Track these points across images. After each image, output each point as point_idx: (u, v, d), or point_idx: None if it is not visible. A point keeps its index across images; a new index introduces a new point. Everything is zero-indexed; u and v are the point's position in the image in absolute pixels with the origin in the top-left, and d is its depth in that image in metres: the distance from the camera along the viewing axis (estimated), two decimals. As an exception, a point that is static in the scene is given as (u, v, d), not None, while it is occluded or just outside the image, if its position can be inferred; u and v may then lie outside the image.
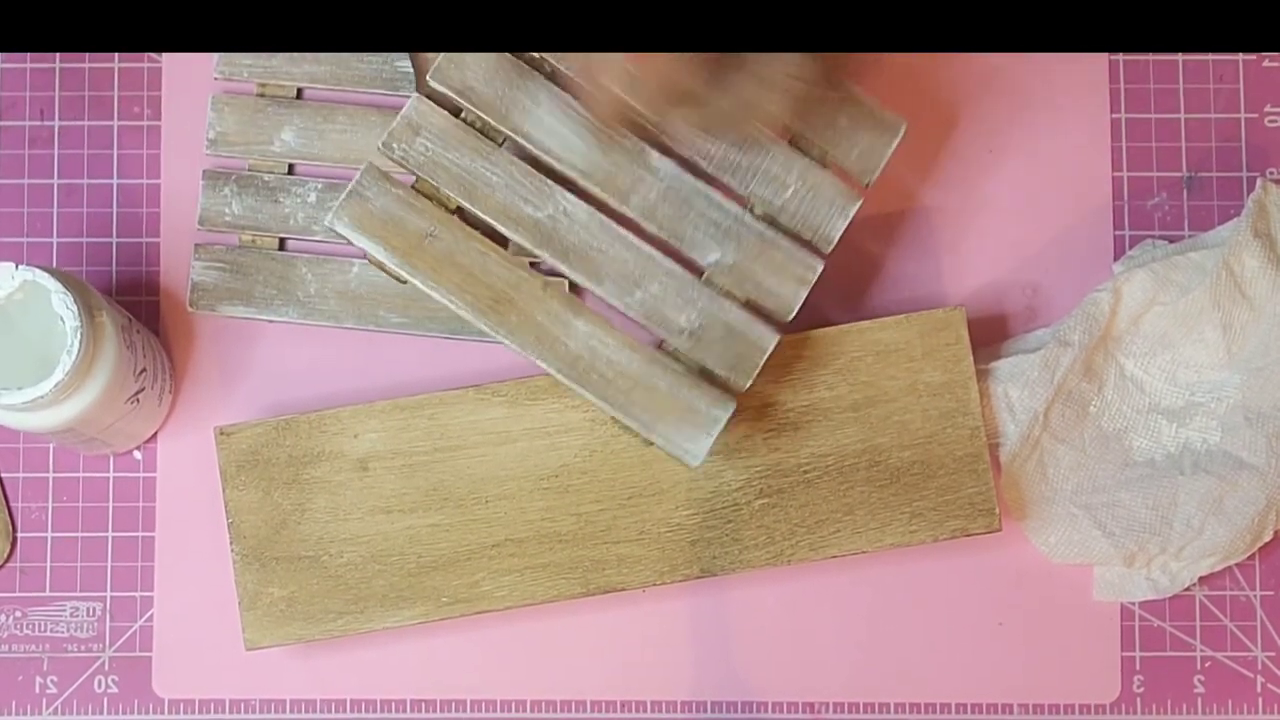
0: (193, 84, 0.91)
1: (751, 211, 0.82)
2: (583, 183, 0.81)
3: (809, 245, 0.83)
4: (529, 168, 0.81)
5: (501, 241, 0.81)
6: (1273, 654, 0.89)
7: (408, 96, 0.86)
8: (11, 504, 0.89)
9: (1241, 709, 0.89)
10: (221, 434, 0.85)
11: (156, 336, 0.89)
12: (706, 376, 0.81)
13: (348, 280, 0.89)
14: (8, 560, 0.89)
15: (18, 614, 0.89)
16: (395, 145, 0.80)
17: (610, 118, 0.79)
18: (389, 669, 0.89)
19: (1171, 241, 0.90)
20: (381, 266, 0.81)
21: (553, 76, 0.82)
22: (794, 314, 0.82)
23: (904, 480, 0.85)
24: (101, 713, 0.88)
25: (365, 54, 0.89)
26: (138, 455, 0.89)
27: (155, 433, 0.89)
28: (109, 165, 0.90)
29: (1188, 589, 0.89)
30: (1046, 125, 0.91)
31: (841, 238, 0.84)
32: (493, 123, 0.81)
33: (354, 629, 0.84)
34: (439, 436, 0.85)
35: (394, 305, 0.89)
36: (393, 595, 0.84)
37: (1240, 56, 0.92)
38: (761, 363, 0.81)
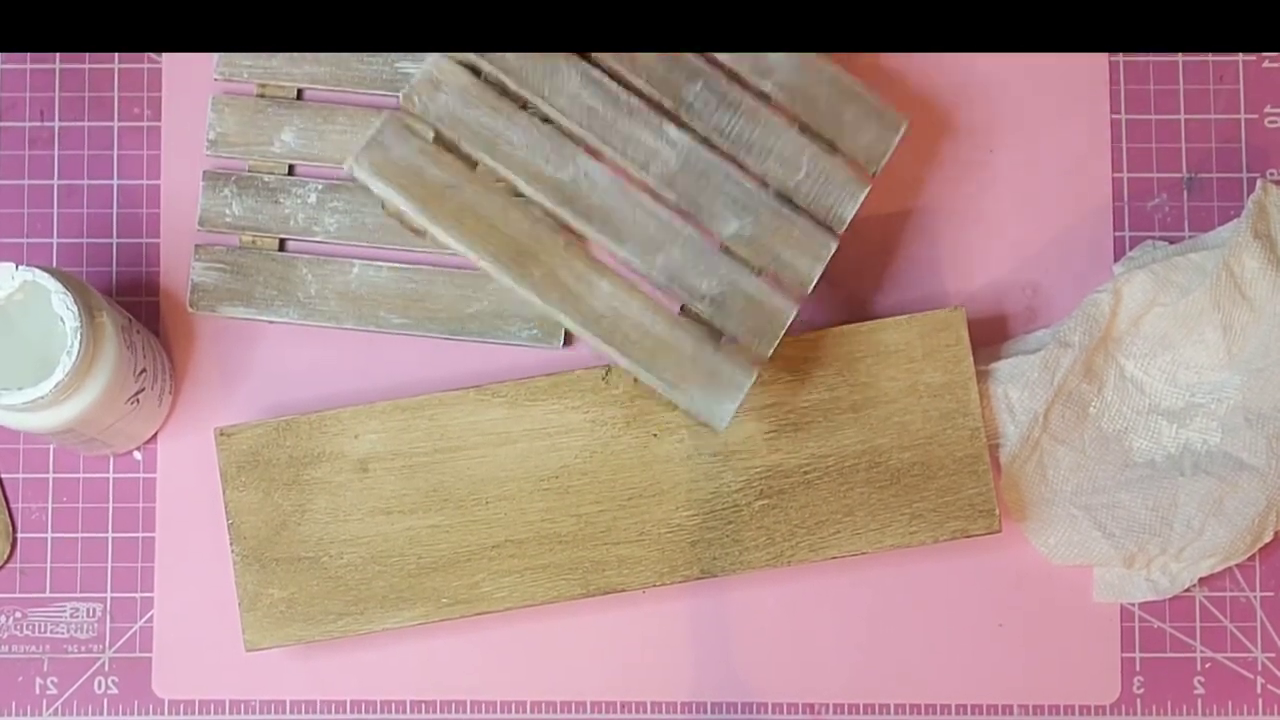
0: (193, 84, 0.91)
1: (768, 189, 0.83)
2: (602, 148, 0.81)
3: (823, 224, 0.83)
4: (550, 129, 0.81)
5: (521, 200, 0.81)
6: (1273, 655, 0.89)
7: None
8: (11, 505, 0.89)
9: (1241, 710, 0.89)
10: (222, 435, 0.85)
11: (156, 337, 0.89)
12: (730, 342, 0.81)
13: (348, 281, 0.89)
14: (8, 561, 0.89)
15: (18, 614, 0.89)
16: (417, 99, 0.79)
17: None
18: (389, 670, 0.89)
19: (1171, 242, 0.90)
20: (400, 217, 0.79)
21: None
22: (812, 287, 0.82)
23: (904, 481, 0.85)
24: (101, 713, 0.88)
25: (365, 54, 0.89)
26: (138, 456, 0.89)
27: (155, 433, 0.89)
28: (109, 166, 0.90)
29: (1188, 590, 0.89)
30: (1046, 125, 0.91)
31: (841, 237, 0.84)
32: (511, 85, 0.81)
33: (354, 630, 0.84)
34: (439, 437, 0.85)
35: (394, 306, 0.89)
36: (393, 596, 0.84)
37: (1240, 56, 0.92)
38: (782, 333, 0.82)
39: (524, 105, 0.81)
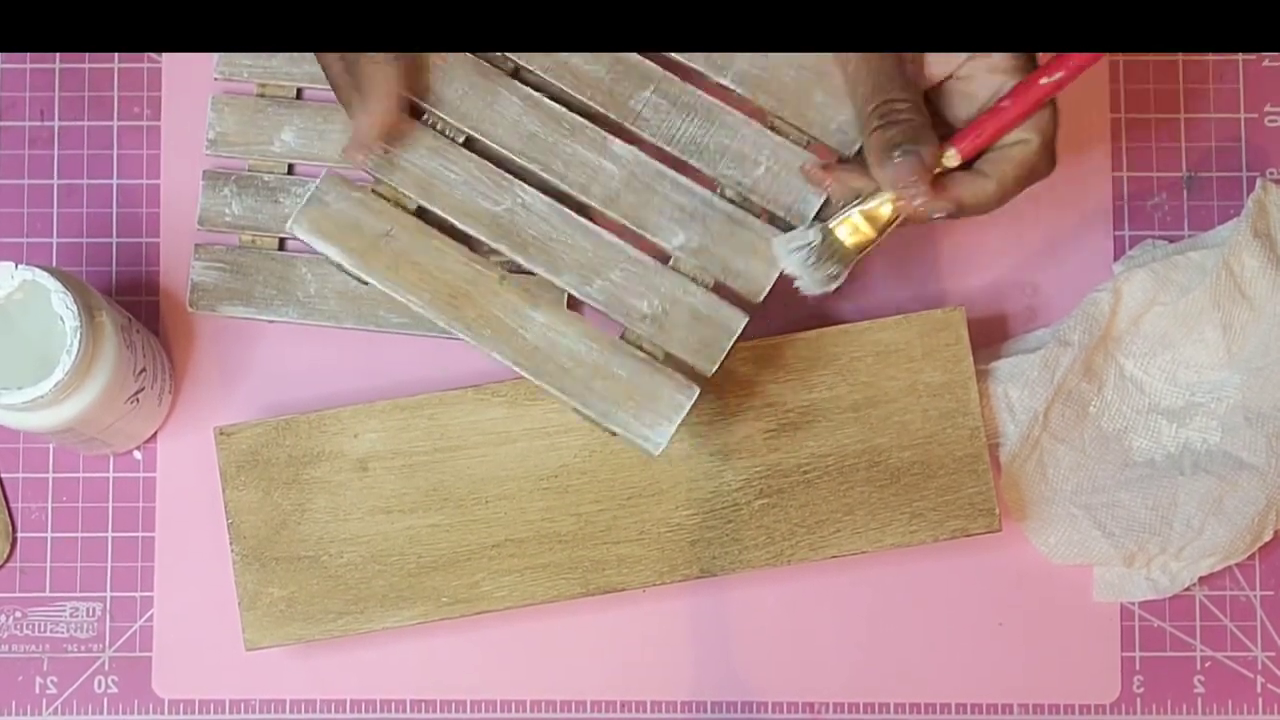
0: (193, 84, 0.91)
1: (721, 194, 0.81)
2: (544, 175, 0.80)
3: (781, 224, 0.81)
4: (487, 163, 0.80)
5: (464, 240, 0.81)
6: (1273, 654, 0.89)
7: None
8: (11, 504, 0.89)
9: (1241, 709, 0.89)
10: (221, 434, 0.85)
11: (156, 336, 0.89)
12: (671, 362, 0.79)
13: (348, 280, 0.89)
14: (8, 560, 0.89)
15: (18, 614, 0.89)
16: (359, 156, 0.80)
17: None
18: (389, 669, 0.88)
19: (1171, 241, 0.90)
20: (341, 268, 0.80)
21: (515, 74, 0.81)
22: (765, 294, 0.80)
23: (904, 480, 0.85)
24: (101, 713, 0.88)
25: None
26: (138, 455, 0.89)
27: (155, 433, 0.89)
28: (109, 165, 0.90)
29: (1188, 589, 0.89)
30: (1046, 125, 0.91)
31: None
32: (453, 122, 0.80)
33: (354, 629, 0.84)
34: (439, 436, 0.85)
35: (394, 305, 0.88)
36: (393, 595, 0.84)
37: (1240, 56, 0.92)
38: (729, 346, 0.79)
39: (466, 141, 0.81)
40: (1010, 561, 0.89)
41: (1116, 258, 0.91)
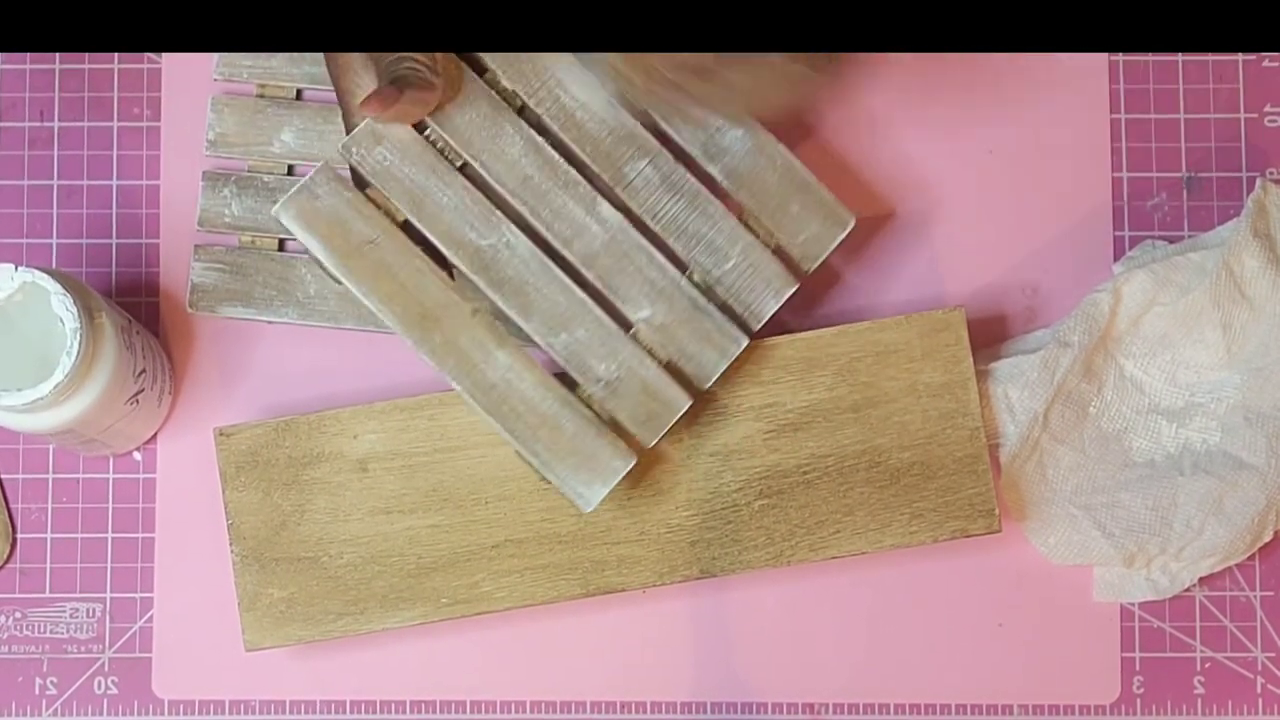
0: (192, 85, 0.91)
1: (690, 278, 0.83)
2: (530, 219, 0.82)
3: (738, 320, 0.83)
4: (480, 195, 0.81)
5: (442, 262, 0.81)
6: (1273, 654, 0.89)
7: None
8: (11, 505, 0.89)
9: (1241, 709, 0.89)
10: (221, 435, 0.85)
11: (156, 338, 0.89)
12: (614, 428, 0.82)
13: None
14: (8, 561, 0.89)
15: (18, 615, 0.89)
16: (354, 149, 0.80)
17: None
18: (389, 670, 0.89)
19: (1171, 242, 0.90)
20: (320, 264, 0.81)
21: (521, 112, 0.82)
22: (710, 384, 0.83)
23: (904, 481, 0.85)
24: (101, 714, 0.88)
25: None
26: (137, 456, 0.89)
27: (155, 434, 0.89)
28: (109, 166, 0.90)
29: (1188, 589, 0.89)
30: (1046, 126, 0.91)
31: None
32: (454, 145, 0.81)
33: (354, 630, 0.84)
34: (439, 437, 0.85)
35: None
36: (392, 596, 0.84)
37: (1240, 56, 0.92)
38: (671, 424, 0.82)
39: (462, 166, 0.81)
40: (1010, 562, 0.89)
41: (1116, 258, 0.91)
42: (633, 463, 0.82)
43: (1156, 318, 0.88)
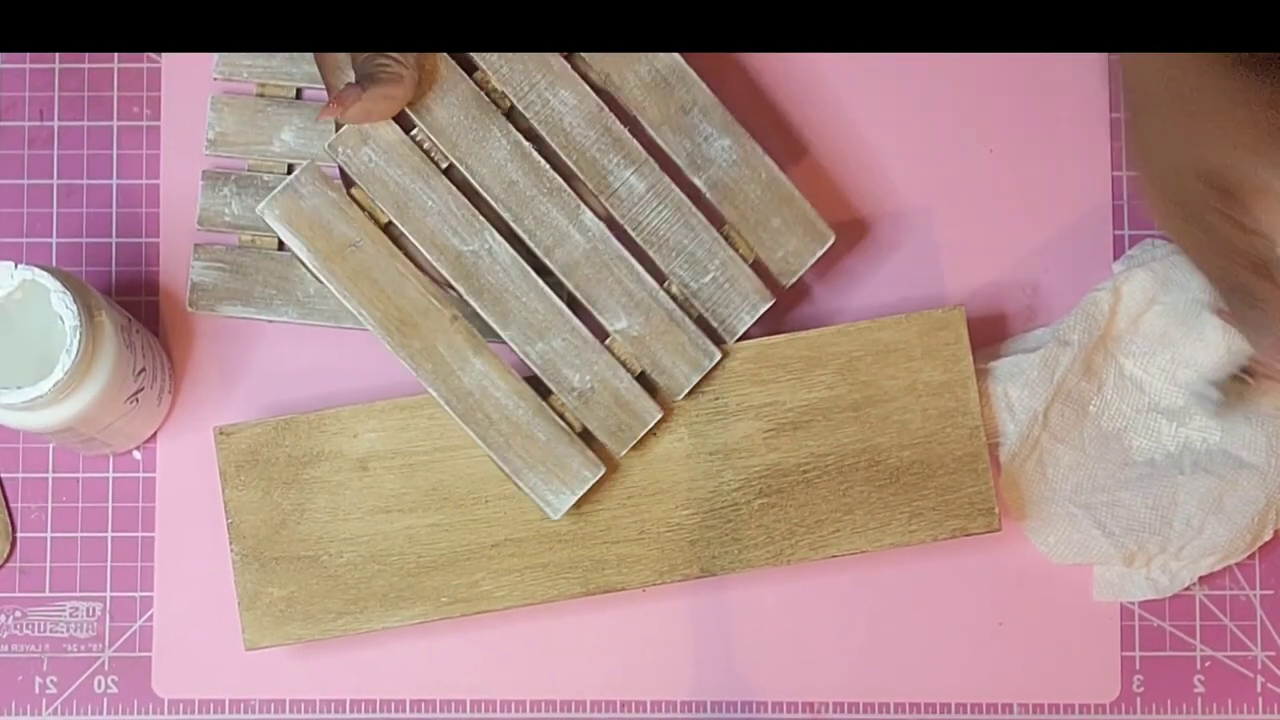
0: (192, 84, 0.91)
1: (667, 290, 0.84)
2: (513, 225, 0.82)
3: (713, 334, 0.84)
4: (464, 199, 0.82)
5: (423, 268, 0.82)
6: (1273, 654, 0.89)
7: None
8: (11, 504, 0.89)
9: (1241, 709, 0.89)
10: (221, 434, 0.85)
11: (156, 336, 0.89)
12: (585, 437, 0.83)
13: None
14: (8, 560, 0.89)
15: (18, 614, 0.89)
16: (340, 149, 0.80)
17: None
18: (389, 669, 0.88)
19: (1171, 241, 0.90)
20: (302, 263, 0.81)
21: (510, 114, 0.82)
22: (682, 396, 0.84)
23: (904, 480, 0.85)
24: (101, 713, 0.88)
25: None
26: (137, 455, 0.89)
27: (155, 433, 0.89)
28: (108, 166, 0.90)
29: (1187, 588, 0.89)
30: (1046, 125, 0.91)
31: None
32: (441, 147, 0.81)
33: (354, 629, 0.84)
34: (439, 436, 0.85)
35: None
36: (392, 595, 0.84)
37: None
38: (640, 435, 0.83)
39: (448, 169, 0.81)
40: (1010, 561, 0.89)
41: (1116, 257, 0.91)
42: (601, 473, 0.83)
43: (1156, 316, 0.88)
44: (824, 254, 0.85)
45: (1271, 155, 0.68)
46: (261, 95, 0.90)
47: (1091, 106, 0.91)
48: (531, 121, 0.82)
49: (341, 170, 0.81)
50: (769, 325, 0.88)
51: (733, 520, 0.85)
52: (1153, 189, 0.73)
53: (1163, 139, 0.72)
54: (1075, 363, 0.87)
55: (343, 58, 0.79)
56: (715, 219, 0.84)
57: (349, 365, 0.89)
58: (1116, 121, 0.91)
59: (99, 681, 0.89)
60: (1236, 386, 0.81)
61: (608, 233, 0.83)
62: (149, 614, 0.89)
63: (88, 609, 0.89)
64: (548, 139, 0.82)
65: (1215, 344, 0.87)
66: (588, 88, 0.83)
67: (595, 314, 0.83)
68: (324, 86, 0.80)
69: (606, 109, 0.83)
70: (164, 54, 0.91)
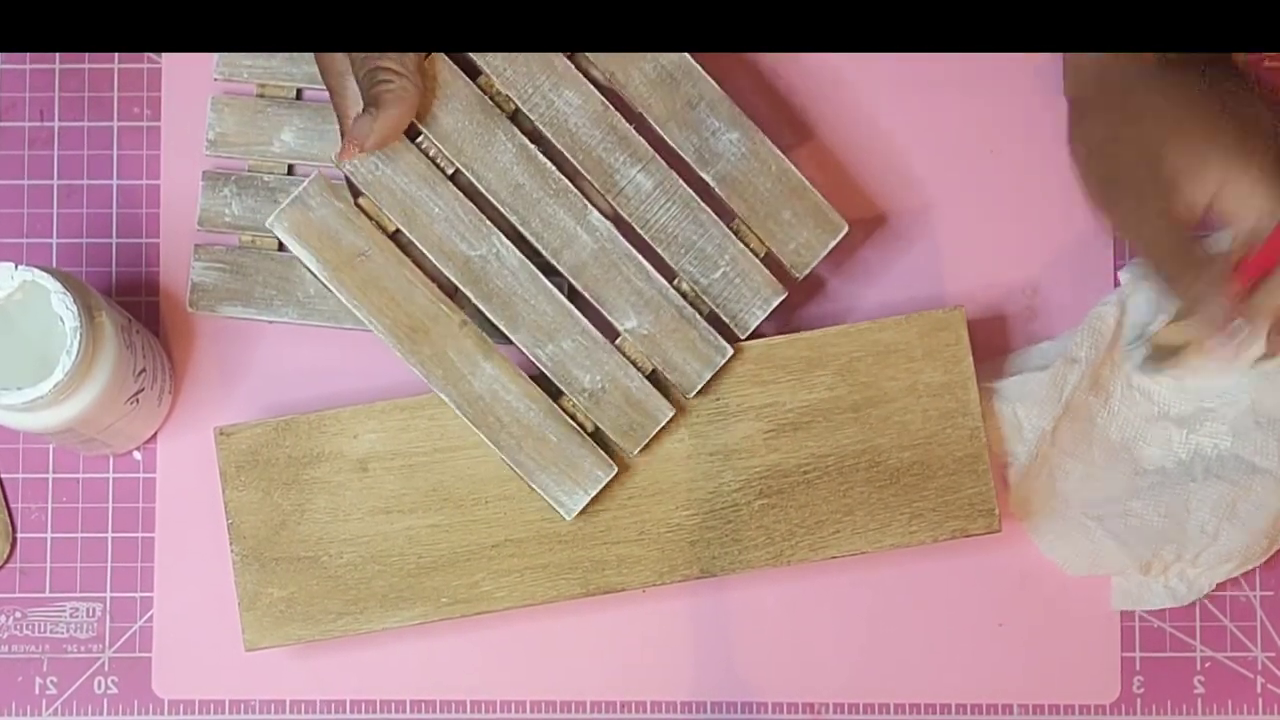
0: (193, 84, 0.91)
1: (677, 287, 0.83)
2: (520, 229, 0.82)
3: (725, 330, 0.84)
4: (471, 205, 0.82)
5: (432, 274, 0.82)
6: (1273, 654, 0.89)
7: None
8: (11, 505, 0.89)
9: (1241, 709, 0.89)
10: (221, 434, 0.85)
11: (156, 337, 0.89)
12: (597, 437, 0.83)
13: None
14: (8, 561, 0.89)
15: (18, 614, 0.89)
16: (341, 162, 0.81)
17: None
18: (389, 669, 0.88)
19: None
20: (312, 275, 0.82)
21: (514, 117, 0.82)
22: (695, 393, 0.83)
23: (904, 481, 0.85)
24: (101, 713, 0.88)
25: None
26: (137, 456, 0.89)
27: (155, 433, 0.89)
28: (109, 166, 0.90)
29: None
30: (1046, 125, 0.91)
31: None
32: (446, 153, 0.81)
33: (354, 629, 0.84)
34: (439, 437, 0.85)
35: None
36: (392, 596, 0.84)
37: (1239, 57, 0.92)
38: (653, 433, 0.83)
39: (454, 174, 0.81)
40: (1010, 562, 0.89)
41: (1116, 257, 0.91)
42: (614, 472, 0.83)
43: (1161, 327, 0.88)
44: (837, 245, 0.85)
45: (1196, 141, 0.77)
46: (262, 95, 0.90)
47: (1092, 107, 0.91)
48: (536, 123, 0.82)
49: (348, 180, 0.81)
50: (781, 321, 0.88)
51: (733, 521, 0.85)
52: (1089, 172, 0.82)
53: (1097, 126, 0.81)
54: (1083, 379, 0.87)
55: (339, 59, 0.79)
56: (725, 214, 0.84)
57: (349, 366, 0.89)
58: (1117, 122, 0.91)
59: (99, 682, 0.89)
60: (1166, 345, 0.83)
61: (615, 232, 0.83)
62: (149, 614, 0.89)
63: (88, 609, 0.89)
64: (553, 140, 0.82)
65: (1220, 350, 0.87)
66: (592, 87, 0.83)
67: (605, 314, 0.83)
68: (326, 90, 0.80)
69: (611, 107, 0.83)
70: (164, 54, 0.91)
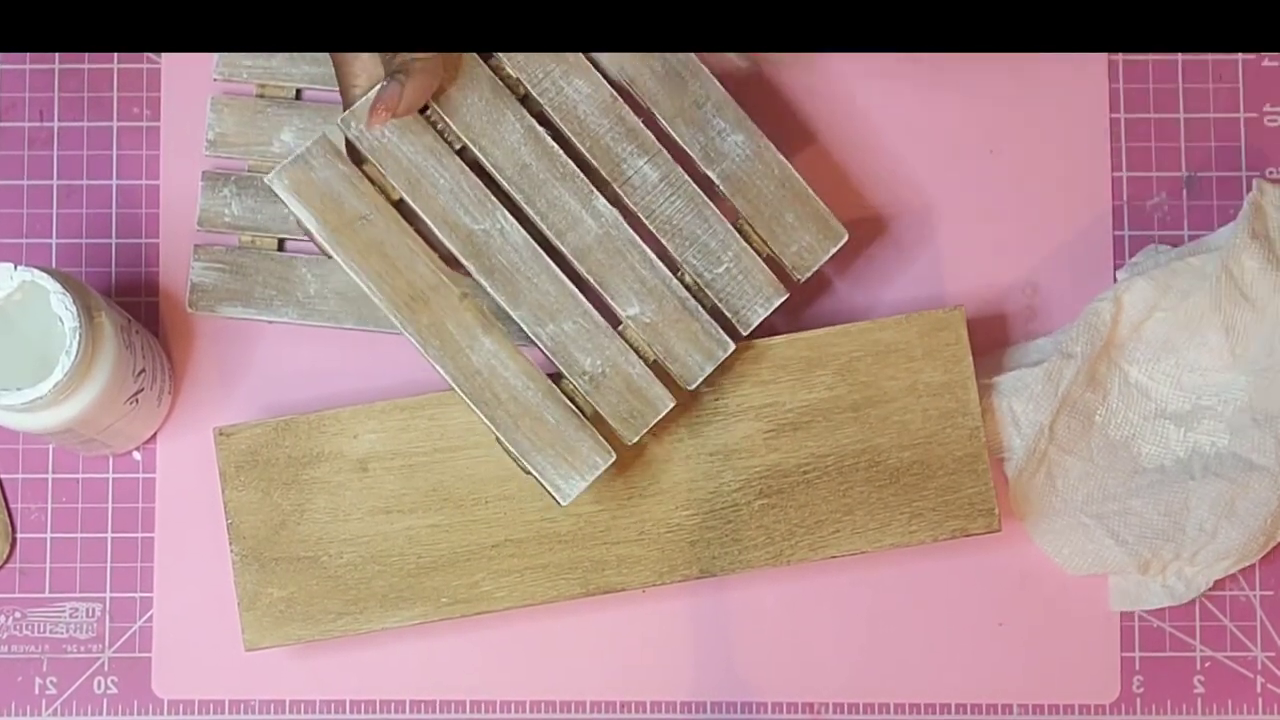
0: (192, 85, 0.91)
1: (681, 278, 0.83)
2: (525, 208, 0.82)
3: (726, 325, 0.84)
4: (476, 179, 0.81)
5: (433, 243, 0.82)
6: (1273, 654, 0.89)
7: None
8: (11, 505, 0.89)
9: (1241, 709, 0.89)
10: (221, 435, 0.85)
11: (156, 337, 0.89)
12: (596, 422, 0.82)
13: (348, 280, 0.89)
14: (7, 561, 0.89)
15: (18, 614, 0.89)
16: (353, 123, 0.80)
17: None
18: (389, 669, 0.88)
19: (1173, 243, 0.90)
20: (310, 237, 0.81)
21: (524, 100, 0.82)
22: (696, 385, 0.83)
23: (903, 480, 0.85)
24: (101, 713, 0.88)
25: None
26: (137, 456, 0.89)
27: (155, 433, 0.89)
28: (108, 166, 0.90)
29: (1195, 591, 0.89)
30: (1046, 125, 0.91)
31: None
32: (454, 127, 0.81)
33: (353, 629, 0.84)
34: (438, 437, 0.85)
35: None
36: (392, 596, 0.84)
37: (1240, 56, 0.92)
38: (653, 422, 0.82)
39: (461, 150, 0.81)
40: (1010, 561, 0.89)
41: (1116, 257, 0.91)
42: (612, 459, 0.82)
43: (1159, 323, 0.88)
44: (838, 251, 0.85)
45: None
46: (261, 96, 0.90)
47: (1091, 106, 0.91)
48: (546, 108, 0.82)
49: (351, 146, 0.80)
50: (783, 320, 0.88)
51: (733, 521, 0.85)
52: None
53: None
54: (1079, 374, 0.87)
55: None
56: (729, 212, 0.84)
57: (349, 366, 0.89)
58: (1116, 121, 0.91)
59: (99, 682, 0.89)
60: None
61: (621, 219, 0.83)
62: (149, 614, 0.89)
63: (88, 609, 0.89)
64: (561, 126, 0.82)
65: (1219, 347, 0.87)
66: (602, 78, 0.83)
67: (608, 299, 0.83)
68: (336, 75, 0.80)
69: (620, 99, 0.83)
70: (164, 54, 0.91)
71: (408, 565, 0.84)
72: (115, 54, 0.91)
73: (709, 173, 0.84)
